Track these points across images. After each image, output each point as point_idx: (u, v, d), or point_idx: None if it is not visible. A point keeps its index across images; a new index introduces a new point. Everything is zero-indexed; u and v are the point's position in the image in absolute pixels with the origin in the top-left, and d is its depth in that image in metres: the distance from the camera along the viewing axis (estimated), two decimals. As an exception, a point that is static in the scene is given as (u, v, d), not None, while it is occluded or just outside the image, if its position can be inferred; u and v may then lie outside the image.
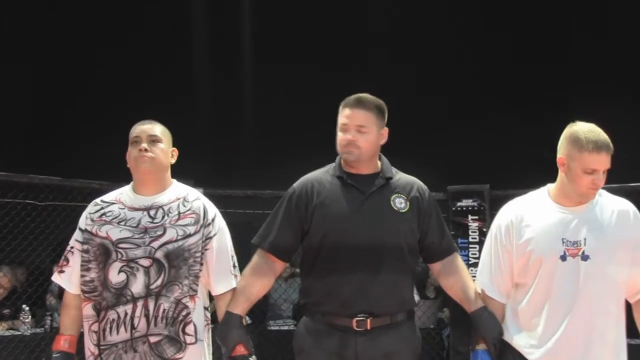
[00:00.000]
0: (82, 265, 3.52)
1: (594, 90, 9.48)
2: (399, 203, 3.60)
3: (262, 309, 8.69)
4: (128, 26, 10.18)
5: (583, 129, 3.46)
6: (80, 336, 3.59)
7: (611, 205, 3.51)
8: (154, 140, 3.54)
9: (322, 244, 3.54)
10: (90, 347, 3.49)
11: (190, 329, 3.46)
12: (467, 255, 6.39)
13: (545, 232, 3.46)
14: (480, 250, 6.48)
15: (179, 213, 3.53)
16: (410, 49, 10.17)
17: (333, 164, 3.71)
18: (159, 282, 3.42)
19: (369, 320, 3.49)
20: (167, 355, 3.42)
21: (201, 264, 3.50)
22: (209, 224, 3.56)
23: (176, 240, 3.47)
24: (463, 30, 10.41)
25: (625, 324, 3.53)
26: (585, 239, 3.42)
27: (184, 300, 3.45)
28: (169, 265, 3.44)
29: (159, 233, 3.47)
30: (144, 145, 3.51)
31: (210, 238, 3.54)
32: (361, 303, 3.49)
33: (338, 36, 10.12)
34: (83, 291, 3.51)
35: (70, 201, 6.25)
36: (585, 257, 3.40)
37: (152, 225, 3.48)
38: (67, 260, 3.59)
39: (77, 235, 3.60)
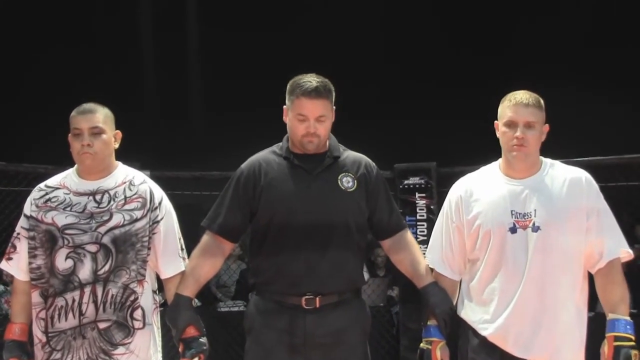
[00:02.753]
0: (29, 252, 3.47)
1: (541, 67, 9.59)
2: (347, 182, 3.59)
3: (211, 291, 8.70)
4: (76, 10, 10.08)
5: (514, 91, 3.48)
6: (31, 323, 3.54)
7: (563, 174, 3.45)
8: (96, 133, 3.48)
9: (270, 224, 3.54)
10: (37, 334, 3.45)
11: (138, 313, 3.44)
12: (416, 233, 6.43)
13: (493, 205, 3.42)
14: (428, 228, 6.53)
15: (125, 197, 3.49)
16: (359, 27, 10.20)
17: (280, 144, 3.69)
18: (106, 267, 3.39)
19: (317, 299, 3.49)
20: (116, 340, 3.40)
21: (149, 249, 3.48)
22: (156, 208, 3.53)
23: (123, 225, 3.44)
24: (411, 10, 10.46)
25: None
26: (535, 210, 3.37)
27: (131, 286, 3.43)
28: (116, 250, 3.40)
29: (106, 218, 3.43)
30: (86, 141, 3.45)
31: (158, 222, 3.52)
32: (310, 282, 3.49)
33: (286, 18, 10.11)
34: (31, 278, 3.46)
35: (15, 186, 6.17)
36: (535, 229, 3.35)
37: (98, 210, 3.44)
38: (15, 247, 3.54)
39: (22, 221, 3.54)
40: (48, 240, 3.42)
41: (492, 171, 3.54)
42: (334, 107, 3.63)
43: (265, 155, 3.67)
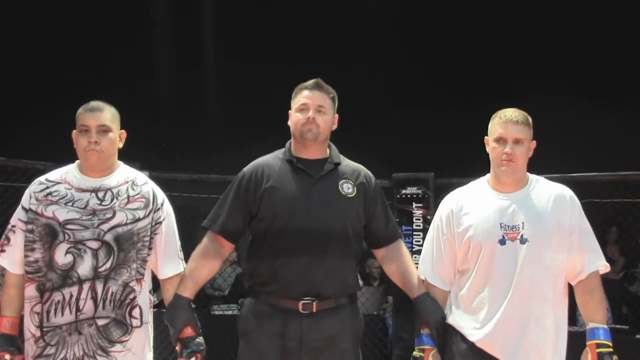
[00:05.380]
0: (26, 245, 3.47)
1: (536, 83, 9.63)
2: (347, 188, 3.67)
3: (206, 293, 8.72)
4: (85, 5, 10.06)
5: (504, 109, 3.60)
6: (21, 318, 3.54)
7: (548, 190, 3.60)
8: (103, 131, 3.51)
9: (269, 227, 3.58)
10: (30, 329, 3.45)
11: (136, 312, 3.47)
12: (411, 242, 6.45)
13: (483, 219, 3.55)
14: (424, 238, 6.54)
15: (128, 196, 3.52)
16: (362, 41, 10.23)
17: (283, 149, 3.75)
18: (107, 265, 3.41)
19: (314, 304, 3.54)
20: (114, 337, 3.42)
21: (149, 248, 3.50)
22: (158, 209, 3.56)
23: (126, 224, 3.46)
24: (410, 26, 10.50)
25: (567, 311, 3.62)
26: (523, 223, 3.50)
27: (131, 284, 3.45)
28: (118, 248, 3.43)
29: (108, 216, 3.45)
30: (94, 138, 3.48)
31: (160, 223, 3.54)
32: (305, 285, 3.54)
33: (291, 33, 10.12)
34: (27, 272, 3.46)
35: (14, 182, 6.18)
36: (524, 241, 3.49)
37: (100, 207, 3.47)
38: (8, 239, 3.53)
39: (20, 214, 3.54)
40: (48, 234, 3.43)
41: (481, 186, 3.67)
42: (336, 114, 3.74)
43: (268, 159, 3.73)
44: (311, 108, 3.64)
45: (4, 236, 3.57)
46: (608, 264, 3.63)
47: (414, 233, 6.52)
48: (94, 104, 3.56)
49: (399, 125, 9.97)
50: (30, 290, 3.45)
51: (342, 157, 3.77)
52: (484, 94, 9.97)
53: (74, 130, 3.55)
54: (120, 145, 3.61)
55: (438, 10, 10.58)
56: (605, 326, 3.50)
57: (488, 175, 3.67)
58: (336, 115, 3.75)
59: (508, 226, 3.51)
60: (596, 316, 3.51)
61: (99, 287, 3.40)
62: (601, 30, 10.09)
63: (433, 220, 3.76)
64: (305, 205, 3.57)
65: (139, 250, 3.46)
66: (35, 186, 3.57)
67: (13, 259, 3.52)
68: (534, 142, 3.61)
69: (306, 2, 10.20)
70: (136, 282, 3.46)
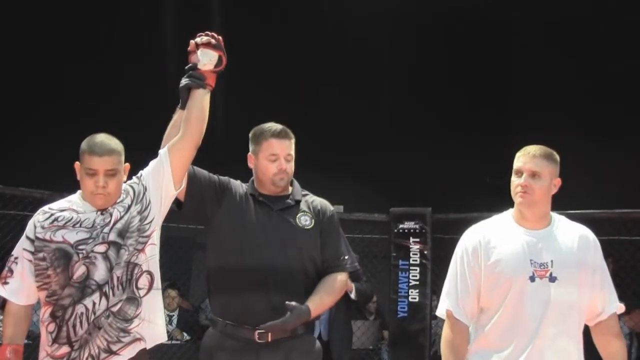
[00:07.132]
0: (40, 273, 3.47)
1: (536, 118, 9.66)
2: (305, 220, 3.80)
3: (201, 325, 8.69)
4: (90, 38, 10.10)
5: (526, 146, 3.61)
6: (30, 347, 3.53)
7: (572, 230, 3.59)
8: (112, 175, 3.51)
9: (222, 260, 3.71)
10: (53, 348, 3.43)
11: (142, 282, 3.48)
12: (408, 277, 6.42)
13: (513, 254, 3.50)
14: (420, 273, 6.54)
15: (122, 199, 3.54)
16: (361, 74, 10.28)
17: (248, 183, 3.88)
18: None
19: (270, 333, 3.60)
20: (129, 315, 3.44)
21: (139, 213, 3.51)
22: (132, 181, 3.59)
23: (121, 217, 3.49)
24: (410, 55, 10.55)
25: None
26: (552, 261, 3.48)
27: (132, 260, 3.47)
28: (123, 241, 3.45)
29: (107, 220, 3.48)
30: (102, 182, 3.48)
31: (139, 178, 3.58)
32: (260, 316, 3.60)
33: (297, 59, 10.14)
34: (46, 296, 3.46)
35: (10, 210, 6.18)
36: (553, 279, 3.46)
37: (102, 218, 3.49)
38: (12, 271, 3.54)
39: (25, 244, 3.52)
40: (61, 257, 3.44)
41: (506, 221, 3.63)
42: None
43: (243, 186, 3.86)
44: (281, 158, 3.79)
45: (6, 268, 3.57)
46: (623, 305, 3.62)
47: (411, 268, 6.49)
48: (100, 144, 3.51)
49: (398, 161, 9.98)
50: (45, 314, 3.46)
51: (305, 192, 3.92)
52: (486, 132, 10.02)
53: (77, 163, 3.53)
54: (125, 179, 3.60)
55: (439, 46, 10.63)
56: None
57: (512, 210, 3.63)
58: None
59: (537, 263, 3.48)
60: (618, 358, 3.53)
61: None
62: (600, 66, 10.13)
63: (455, 254, 3.66)
64: (262, 237, 3.69)
65: (129, 223, 3.49)
66: (39, 215, 3.57)
67: (14, 289, 3.52)
68: (558, 179, 3.59)
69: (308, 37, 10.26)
70: (138, 253, 3.48)
